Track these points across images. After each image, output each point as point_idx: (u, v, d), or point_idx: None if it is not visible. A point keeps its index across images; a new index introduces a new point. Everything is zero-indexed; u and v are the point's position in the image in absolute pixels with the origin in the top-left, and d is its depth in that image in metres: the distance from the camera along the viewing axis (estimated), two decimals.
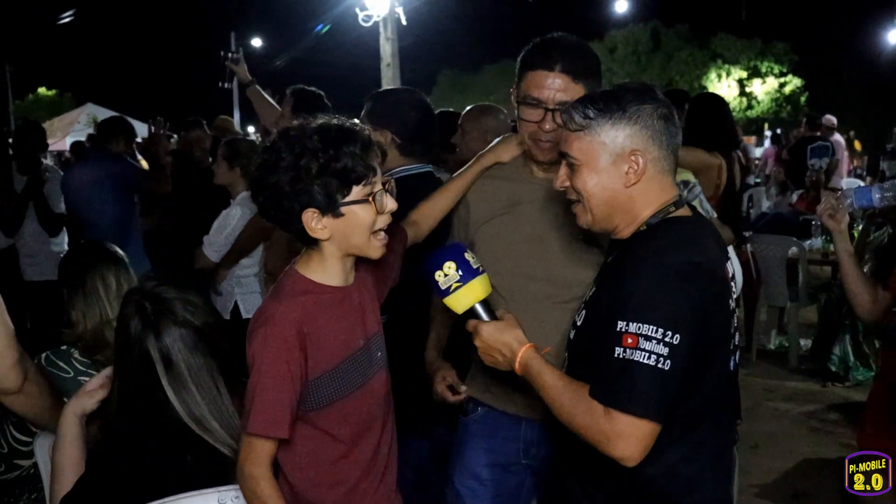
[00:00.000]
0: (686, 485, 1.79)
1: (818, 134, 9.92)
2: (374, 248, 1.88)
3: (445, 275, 1.86)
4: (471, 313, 1.91)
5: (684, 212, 1.84)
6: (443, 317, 2.48)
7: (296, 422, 1.85)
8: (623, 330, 1.65)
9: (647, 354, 1.62)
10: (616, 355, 1.65)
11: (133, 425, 1.98)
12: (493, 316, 1.91)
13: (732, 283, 4.24)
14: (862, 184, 11.64)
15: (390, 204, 1.88)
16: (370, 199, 1.83)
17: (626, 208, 1.82)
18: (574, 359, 1.92)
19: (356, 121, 1.91)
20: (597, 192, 1.81)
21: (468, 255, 1.90)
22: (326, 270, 1.90)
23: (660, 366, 1.61)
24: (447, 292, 1.88)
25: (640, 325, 1.63)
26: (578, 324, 1.91)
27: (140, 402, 1.98)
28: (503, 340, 1.86)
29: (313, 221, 1.81)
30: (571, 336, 1.94)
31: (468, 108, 3.92)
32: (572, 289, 2.16)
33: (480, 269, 1.90)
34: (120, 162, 5.64)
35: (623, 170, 1.78)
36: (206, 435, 1.95)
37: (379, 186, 1.86)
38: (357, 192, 1.82)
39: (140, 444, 1.95)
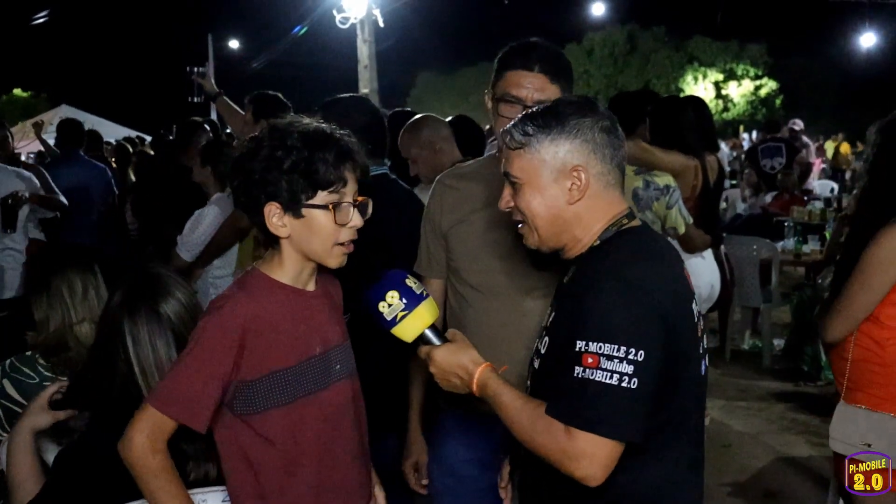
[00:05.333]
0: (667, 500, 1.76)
1: (777, 136, 10.18)
2: (333, 258, 1.86)
3: (389, 305, 1.79)
4: (421, 339, 1.84)
5: (636, 223, 1.80)
6: (420, 379, 2.42)
7: (233, 423, 1.84)
8: (582, 349, 1.59)
9: (609, 374, 1.56)
10: (576, 374, 1.59)
11: (97, 405, 2.00)
12: (443, 339, 1.84)
13: (710, 287, 4.32)
14: (835, 185, 11.83)
15: (356, 219, 1.85)
16: (330, 206, 1.81)
17: (572, 226, 1.76)
18: (539, 385, 1.82)
19: (344, 131, 1.89)
20: (541, 212, 1.75)
21: (409, 282, 1.82)
22: (285, 271, 1.88)
23: (624, 384, 1.56)
24: (393, 322, 1.80)
25: (600, 344, 1.58)
26: (543, 352, 1.82)
27: (107, 375, 2.00)
28: (458, 363, 1.79)
29: (274, 216, 1.81)
30: (536, 365, 1.86)
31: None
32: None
33: (424, 293, 1.83)
34: (100, 168, 5.66)
35: (566, 186, 1.72)
36: None
37: (348, 199, 1.83)
38: (322, 197, 1.80)
39: (104, 437, 1.94)
